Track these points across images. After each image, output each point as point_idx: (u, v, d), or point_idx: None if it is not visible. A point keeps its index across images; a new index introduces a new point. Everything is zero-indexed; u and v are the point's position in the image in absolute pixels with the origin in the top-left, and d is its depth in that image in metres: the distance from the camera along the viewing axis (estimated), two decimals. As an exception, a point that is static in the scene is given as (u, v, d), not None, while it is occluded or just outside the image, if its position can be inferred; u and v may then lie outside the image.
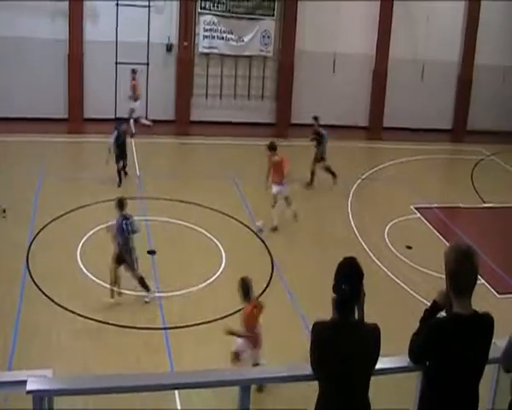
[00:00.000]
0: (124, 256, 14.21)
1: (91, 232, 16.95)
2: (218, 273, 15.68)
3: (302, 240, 17.81)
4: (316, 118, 21.28)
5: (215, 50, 26.19)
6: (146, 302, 14.35)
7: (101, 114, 24.89)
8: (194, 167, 22.21)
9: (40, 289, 14.51)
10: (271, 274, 15.85)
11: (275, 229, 17.83)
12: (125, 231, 14.07)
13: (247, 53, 26.50)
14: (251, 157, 23.13)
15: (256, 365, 11.28)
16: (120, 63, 25.42)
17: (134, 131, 24.00)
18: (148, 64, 25.86)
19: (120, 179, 20.18)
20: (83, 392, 4.98)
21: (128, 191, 19.16)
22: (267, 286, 15.24)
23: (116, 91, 25.58)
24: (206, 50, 26.13)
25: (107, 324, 13.58)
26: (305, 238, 17.92)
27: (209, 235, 17.36)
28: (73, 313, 13.79)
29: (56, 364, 11.46)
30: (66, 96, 25.21)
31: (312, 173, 21.03)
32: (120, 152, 20.14)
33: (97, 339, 13.24)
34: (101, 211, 17.79)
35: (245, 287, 11.47)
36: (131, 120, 24.12)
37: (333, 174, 21.14)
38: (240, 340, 11.63)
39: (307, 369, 5.07)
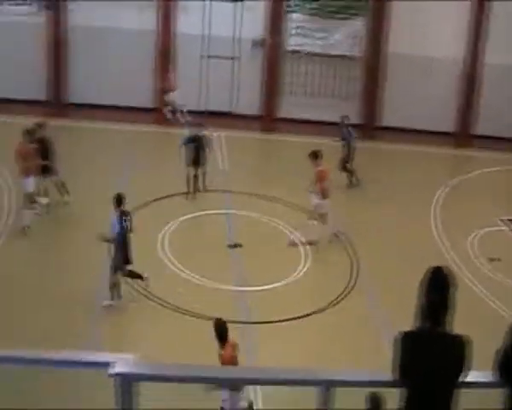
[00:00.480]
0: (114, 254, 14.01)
1: (177, 221, 17.20)
2: (300, 271, 15.69)
3: (384, 246, 17.55)
4: (344, 117, 21.32)
5: (303, 48, 26.16)
6: (103, 306, 13.92)
7: (189, 107, 25.19)
8: (278, 164, 22.23)
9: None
10: (351, 276, 15.76)
11: (314, 243, 16.87)
12: (123, 228, 13.80)
13: (334, 52, 26.33)
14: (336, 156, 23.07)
15: None
16: (211, 57, 25.69)
17: (183, 121, 24.35)
18: (233, 59, 26.00)
19: (189, 190, 18.81)
20: (167, 379, 5.03)
21: (212, 184, 19.43)
22: (345, 288, 15.18)
23: (204, 85, 25.85)
24: (294, 48, 26.13)
25: (188, 313, 13.76)
26: (387, 245, 17.65)
27: (292, 232, 17.36)
28: (154, 300, 14.03)
29: (135, 350, 11.67)
30: (153, 86, 25.65)
31: (351, 173, 20.80)
32: (194, 156, 18.94)
33: (177, 328, 13.45)
34: (184, 203, 18.08)
35: (220, 330, 10.56)
36: (178, 113, 24.77)
37: (352, 175, 20.95)
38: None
39: (388, 376, 5.03)
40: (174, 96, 24.84)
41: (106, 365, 4.60)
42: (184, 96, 25.11)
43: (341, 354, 12.61)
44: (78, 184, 18.38)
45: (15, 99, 24.48)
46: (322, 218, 16.89)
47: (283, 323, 13.72)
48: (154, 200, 18.31)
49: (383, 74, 26.35)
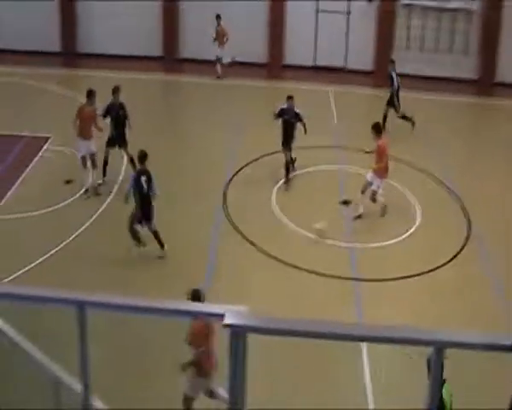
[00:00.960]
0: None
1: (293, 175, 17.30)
2: (412, 230, 15.44)
3: (506, 212, 16.56)
4: (392, 61, 20.88)
5: (418, 2, 25.34)
6: (159, 258, 14.01)
7: (301, 61, 25.02)
8: (392, 120, 21.67)
9: (235, 228, 15.07)
10: (467, 238, 15.34)
11: (358, 217, 15.86)
12: (140, 187, 13.63)
13: (450, 6, 25.40)
14: (450, 114, 22.47)
15: (210, 393, 9.68)
16: (322, 11, 25.34)
17: (220, 73, 24.37)
18: (348, 13, 25.54)
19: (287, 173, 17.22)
20: (279, 332, 5.03)
21: (323, 139, 19.30)
22: (461, 250, 14.82)
23: (316, 39, 25.59)
24: (408, 2, 25.35)
25: (299, 268, 13.83)
26: (501, 207, 16.84)
27: (405, 190, 17.04)
28: (267, 254, 14.17)
29: (245, 302, 11.81)
30: (266, 40, 25.60)
31: (384, 117, 20.11)
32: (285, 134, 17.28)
33: (286, 281, 13.53)
34: (306, 155, 18.08)
35: (195, 300, 9.37)
36: (218, 65, 24.40)
37: (409, 120, 20.39)
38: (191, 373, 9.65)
39: (504, 339, 4.86)
40: (220, 51, 24.38)
41: (220, 316, 4.64)
42: (295, 50, 25.00)
43: (454, 316, 12.34)
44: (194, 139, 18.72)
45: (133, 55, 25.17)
46: (372, 196, 15.76)
47: (393, 281, 13.55)
48: (265, 155, 18.36)
49: (504, 28, 25.24)
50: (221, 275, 13.51)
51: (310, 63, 25.48)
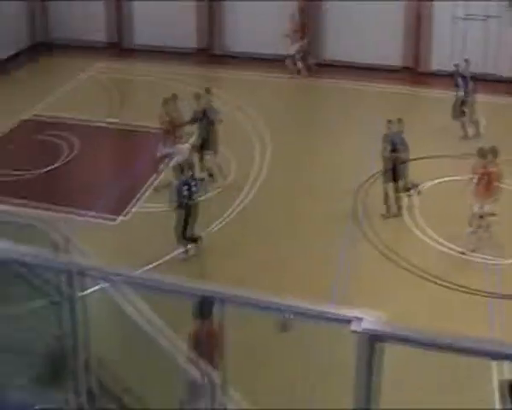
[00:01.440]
0: None
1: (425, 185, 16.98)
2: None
3: None
4: (456, 65, 19.97)
5: None
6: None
7: (444, 67, 24.48)
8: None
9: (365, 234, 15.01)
10: None
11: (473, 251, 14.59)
12: (183, 196, 13.83)
13: None
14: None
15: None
16: (467, 18, 24.67)
17: (300, 68, 24.63)
18: (488, 17, 24.68)
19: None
20: (417, 343, 4.90)
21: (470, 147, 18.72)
22: None
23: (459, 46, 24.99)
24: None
25: (433, 280, 13.53)
26: None
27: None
28: (407, 268, 13.95)
29: (375, 309, 11.67)
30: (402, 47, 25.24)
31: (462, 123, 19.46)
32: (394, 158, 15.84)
33: (418, 291, 13.30)
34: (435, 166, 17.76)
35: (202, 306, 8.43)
36: (298, 62, 24.61)
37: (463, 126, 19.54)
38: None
39: None
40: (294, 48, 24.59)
41: (348, 321, 4.59)
42: (438, 56, 24.50)
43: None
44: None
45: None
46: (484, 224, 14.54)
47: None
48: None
49: None
50: (348, 279, 13.46)
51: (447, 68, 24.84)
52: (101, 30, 27.53)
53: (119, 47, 27.39)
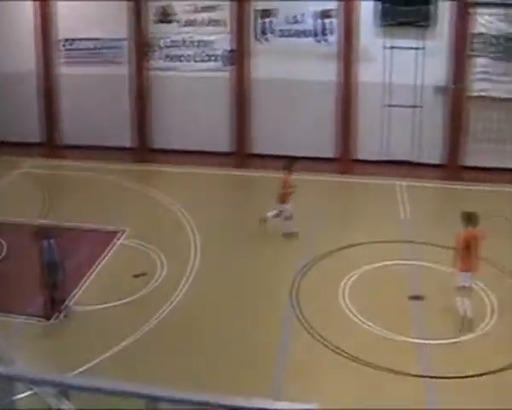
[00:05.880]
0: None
1: (361, 270, 17.38)
2: (488, 323, 15.16)
3: None
4: None
5: (488, 93, 25.46)
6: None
7: (371, 156, 25.33)
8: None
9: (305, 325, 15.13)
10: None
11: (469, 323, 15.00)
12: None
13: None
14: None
15: None
16: (392, 105, 25.73)
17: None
18: (418, 107, 25.80)
19: None
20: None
21: (392, 234, 19.43)
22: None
23: (386, 133, 25.98)
24: (478, 94, 25.48)
25: (366, 365, 13.69)
26: None
27: (477, 284, 16.64)
28: (339, 352, 14.09)
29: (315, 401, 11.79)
30: (336, 135, 26.15)
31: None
32: None
33: (357, 380, 13.39)
34: (374, 250, 18.27)
35: None
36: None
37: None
38: None
39: None
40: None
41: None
42: (365, 145, 25.41)
43: None
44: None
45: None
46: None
47: (466, 379, 13.24)
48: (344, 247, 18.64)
49: None
50: (291, 373, 13.51)
51: (379, 157, 25.79)
52: (33, 127, 27.68)
53: (50, 145, 27.53)
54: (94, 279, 17.22)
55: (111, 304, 15.99)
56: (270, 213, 19.54)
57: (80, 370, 13.13)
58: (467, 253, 14.66)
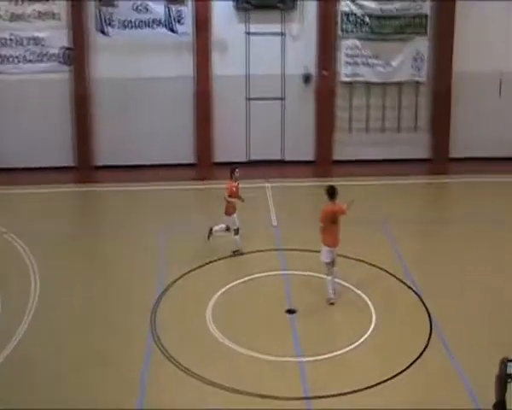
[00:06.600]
0: None
1: (223, 289, 16.89)
2: (367, 335, 14.90)
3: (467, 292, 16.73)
4: None
5: (359, 78, 25.41)
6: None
7: (232, 158, 24.57)
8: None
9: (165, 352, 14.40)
10: (430, 334, 14.87)
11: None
12: None
13: (396, 79, 25.42)
14: (403, 199, 22.45)
15: None
16: (252, 99, 25.31)
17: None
18: (282, 99, 25.51)
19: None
20: None
21: (265, 243, 19.12)
22: (425, 348, 14.35)
23: (248, 131, 25.53)
24: (348, 79, 25.40)
25: (237, 392, 13.06)
26: (469, 291, 16.80)
27: (357, 290, 16.60)
28: (202, 379, 13.44)
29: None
30: (194, 139, 25.45)
31: None
32: None
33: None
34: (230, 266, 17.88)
35: None
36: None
37: None
38: None
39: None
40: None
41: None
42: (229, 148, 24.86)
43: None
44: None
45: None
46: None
47: (349, 395, 12.86)
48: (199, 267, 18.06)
49: (455, 99, 25.51)
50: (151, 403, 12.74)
51: (243, 159, 25.22)
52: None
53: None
54: None
55: None
56: (216, 227, 18.69)
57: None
58: (330, 228, 15.87)
